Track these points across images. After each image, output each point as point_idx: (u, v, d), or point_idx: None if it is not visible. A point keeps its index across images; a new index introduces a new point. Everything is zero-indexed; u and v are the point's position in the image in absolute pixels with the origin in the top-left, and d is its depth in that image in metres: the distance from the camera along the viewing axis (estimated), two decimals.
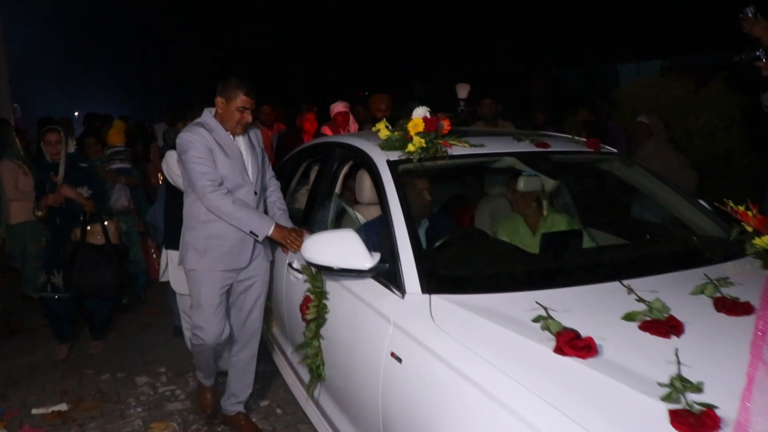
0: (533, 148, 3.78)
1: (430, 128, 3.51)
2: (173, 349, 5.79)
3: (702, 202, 3.73)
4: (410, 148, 3.49)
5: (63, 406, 4.68)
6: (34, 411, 4.65)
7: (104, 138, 7.31)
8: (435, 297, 2.67)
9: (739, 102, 8.89)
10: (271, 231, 3.83)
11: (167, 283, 4.94)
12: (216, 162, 3.77)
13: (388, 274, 2.93)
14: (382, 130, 3.70)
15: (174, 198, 4.70)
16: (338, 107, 7.39)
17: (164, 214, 5.00)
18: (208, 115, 3.89)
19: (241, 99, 3.76)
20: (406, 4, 21.59)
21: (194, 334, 4.02)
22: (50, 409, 4.65)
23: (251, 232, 3.82)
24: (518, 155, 3.72)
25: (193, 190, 3.80)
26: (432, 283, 2.75)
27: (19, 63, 21.57)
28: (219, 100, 3.84)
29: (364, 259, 2.93)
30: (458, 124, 7.35)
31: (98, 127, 8.68)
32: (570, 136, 4.13)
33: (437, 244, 3.23)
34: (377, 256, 2.97)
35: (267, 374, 4.87)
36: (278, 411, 4.57)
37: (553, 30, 19.59)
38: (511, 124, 8.01)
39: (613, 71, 17.10)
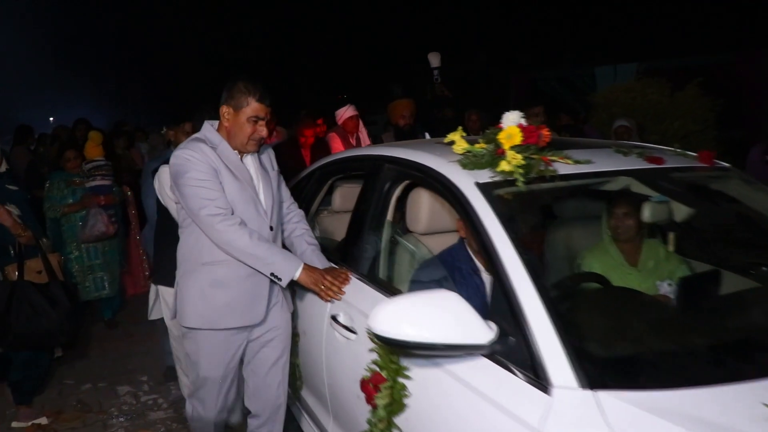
0: (645, 164, 2.78)
1: (531, 140, 2.49)
2: (155, 357, 5.40)
3: None
4: (504, 166, 2.45)
5: (43, 420, 4.38)
6: (14, 424, 4.36)
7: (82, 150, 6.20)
8: (605, 396, 1.66)
9: (713, 105, 8.77)
10: (298, 273, 2.85)
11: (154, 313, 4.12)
12: (223, 187, 2.83)
13: (514, 353, 1.91)
14: (459, 141, 2.66)
15: (166, 222, 3.68)
16: (347, 112, 6.34)
17: (155, 242, 3.91)
18: (209, 129, 2.96)
19: (252, 107, 2.86)
20: (383, 7, 20.59)
21: (192, 405, 3.07)
22: (30, 423, 4.35)
23: (272, 274, 2.84)
24: (636, 173, 2.70)
25: (196, 222, 2.83)
26: (594, 372, 1.74)
27: None
28: (225, 109, 2.91)
29: (478, 330, 1.92)
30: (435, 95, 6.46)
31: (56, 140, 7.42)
32: (673, 149, 3.12)
33: (563, 300, 2.20)
34: (493, 325, 1.96)
35: None
36: None
37: (531, 33, 18.77)
38: None
39: (590, 74, 16.61)
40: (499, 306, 2.06)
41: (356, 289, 2.81)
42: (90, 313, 6.28)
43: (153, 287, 3.79)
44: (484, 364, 1.97)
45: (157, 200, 3.77)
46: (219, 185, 2.82)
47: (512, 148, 2.47)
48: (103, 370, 5.29)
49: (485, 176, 2.47)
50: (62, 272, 4.49)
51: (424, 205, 2.97)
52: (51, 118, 21.40)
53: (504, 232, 2.18)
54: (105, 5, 24.02)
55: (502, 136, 2.49)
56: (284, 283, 2.86)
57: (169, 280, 3.41)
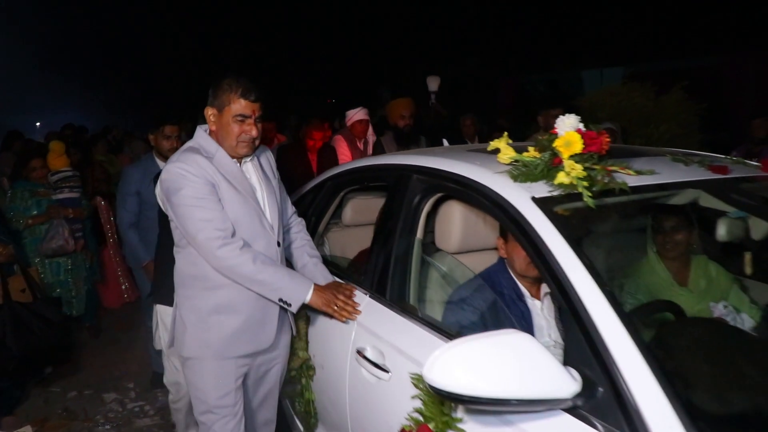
0: (711, 174, 2.40)
1: (593, 147, 2.11)
2: (142, 364, 5.17)
3: None
4: (562, 178, 2.08)
5: (28, 429, 4.10)
6: None
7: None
8: None
9: (697, 109, 8.53)
10: (308, 297, 2.49)
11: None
12: (223, 203, 2.46)
13: (602, 408, 1.53)
14: (505, 149, 2.28)
15: (169, 234, 3.21)
16: (357, 114, 5.82)
17: (156, 255, 3.47)
18: (203, 136, 2.57)
19: (237, 104, 2.48)
20: (370, 10, 20.18)
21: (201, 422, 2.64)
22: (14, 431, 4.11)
23: (281, 300, 2.47)
24: (704, 185, 2.33)
25: (193, 246, 2.48)
26: None
27: None
28: (210, 111, 2.55)
29: (559, 380, 1.54)
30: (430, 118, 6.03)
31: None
32: (734, 158, 2.75)
33: (655, 339, 1.82)
34: (575, 374, 1.58)
35: None
36: None
37: (520, 37, 18.46)
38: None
39: (577, 78, 16.42)
40: (576, 348, 1.68)
41: (385, 318, 2.42)
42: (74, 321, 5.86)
43: (155, 309, 3.33)
44: (565, 421, 1.59)
45: (159, 210, 3.31)
46: (218, 202, 2.44)
47: (572, 157, 2.09)
48: (89, 377, 5.10)
49: (541, 190, 2.09)
50: (42, 287, 4.17)
51: (456, 221, 2.59)
52: (38, 123, 20.74)
53: (575, 257, 1.80)
54: (92, 8, 23.31)
55: (559, 144, 2.12)
56: (294, 308, 2.50)
57: (170, 299, 2.99)
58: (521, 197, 2.05)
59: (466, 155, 2.56)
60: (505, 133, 2.33)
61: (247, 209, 2.50)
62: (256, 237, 2.51)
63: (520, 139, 6.61)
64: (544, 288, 2.52)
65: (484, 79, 18.57)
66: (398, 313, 2.37)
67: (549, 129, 4.89)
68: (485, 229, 2.66)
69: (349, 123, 5.85)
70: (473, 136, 7.35)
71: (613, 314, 1.63)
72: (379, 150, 5.65)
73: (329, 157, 5.47)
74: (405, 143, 5.59)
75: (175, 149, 4.03)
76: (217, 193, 2.44)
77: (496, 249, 2.75)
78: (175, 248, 2.64)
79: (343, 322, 2.51)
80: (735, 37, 14.48)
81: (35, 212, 5.26)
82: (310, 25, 20.82)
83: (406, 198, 2.56)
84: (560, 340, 2.45)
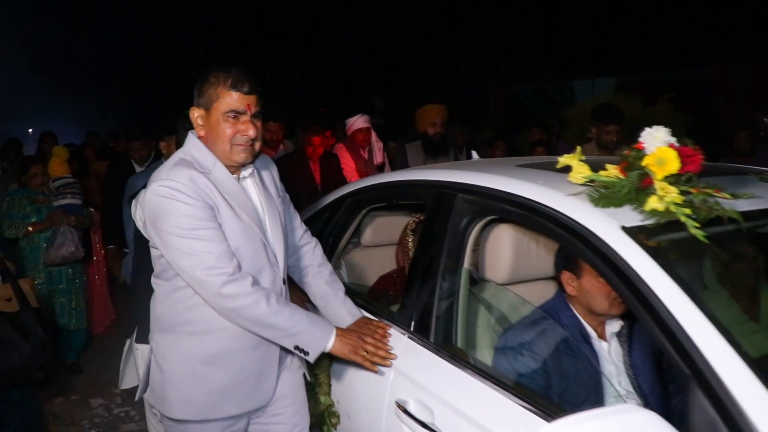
0: None
1: (690, 167, 1.70)
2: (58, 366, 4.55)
3: None
4: (654, 204, 1.66)
5: None
6: None
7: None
8: None
9: (685, 120, 8.18)
10: (330, 344, 2.00)
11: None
12: (224, 228, 1.98)
13: None
14: (578, 167, 1.86)
15: (148, 261, 2.68)
16: (357, 122, 5.32)
17: (131, 285, 2.95)
18: (197, 145, 2.05)
19: (228, 98, 1.98)
20: (362, 18, 19.77)
21: None
22: None
23: (297, 347, 1.98)
24: None
25: (188, 282, 1.98)
26: None
27: None
28: (196, 113, 2.05)
29: None
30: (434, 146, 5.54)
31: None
32: None
33: None
34: None
35: None
36: None
37: (511, 46, 18.12)
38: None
39: (569, 88, 16.16)
40: (704, 419, 1.26)
41: (431, 365, 1.98)
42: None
43: (129, 345, 2.78)
44: None
45: (137, 232, 2.80)
46: (219, 229, 1.96)
47: (666, 178, 1.67)
48: (76, 382, 4.95)
49: (629, 217, 1.67)
50: (37, 298, 3.67)
51: (508, 248, 2.17)
52: (30, 130, 20.08)
53: (691, 302, 1.39)
54: (84, 13, 22.63)
55: (651, 162, 1.69)
56: (312, 358, 2.01)
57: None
58: (608, 226, 1.64)
59: (520, 172, 2.14)
60: (578, 148, 1.91)
61: (249, 238, 2.02)
62: (260, 272, 2.03)
63: (513, 148, 6.20)
64: (610, 327, 2.11)
65: (476, 88, 18.23)
66: (448, 360, 1.94)
67: (604, 146, 4.54)
68: (537, 258, 2.25)
69: (349, 132, 5.37)
70: (462, 146, 6.91)
71: (752, 377, 1.22)
72: (401, 159, 5.21)
73: (333, 167, 4.94)
74: (433, 153, 5.14)
75: None
76: (216, 218, 1.96)
77: (547, 279, 2.34)
78: (154, 280, 2.14)
79: (375, 371, 2.05)
80: (725, 49, 14.24)
81: (34, 219, 4.91)
82: (302, 33, 20.39)
83: (451, 221, 2.13)
84: (631, 389, 2.04)
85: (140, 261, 2.78)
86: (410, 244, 3.04)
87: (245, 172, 2.11)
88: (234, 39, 20.47)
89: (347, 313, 2.26)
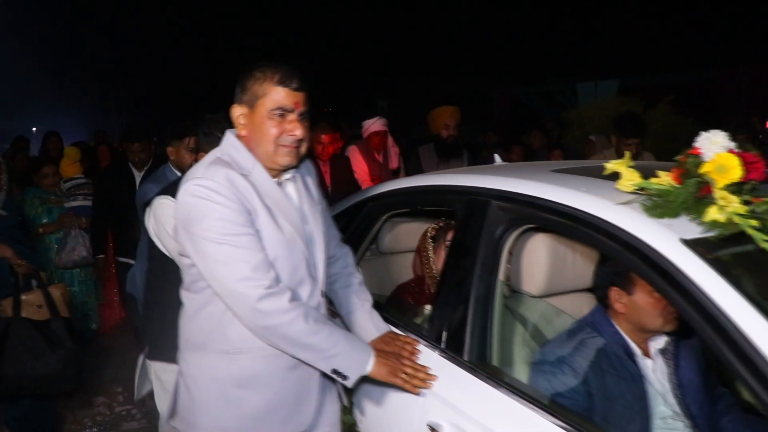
0: None
1: (754, 174, 1.55)
2: (130, 368, 4.45)
3: None
4: (714, 214, 1.51)
5: None
6: None
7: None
8: None
9: (686, 123, 8.23)
10: (370, 366, 1.83)
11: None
12: (261, 236, 1.78)
13: None
14: (627, 173, 1.70)
15: (162, 275, 2.53)
16: (374, 125, 5.15)
17: (144, 299, 2.78)
18: (236, 145, 1.87)
19: (275, 94, 1.79)
20: (367, 20, 19.64)
21: None
22: None
23: (335, 371, 1.81)
24: None
25: (219, 294, 1.80)
26: None
27: None
28: (238, 111, 1.87)
29: None
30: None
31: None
32: None
33: None
34: None
35: None
36: None
37: (515, 48, 17.99)
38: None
39: (572, 90, 16.05)
40: None
41: (466, 386, 1.83)
42: None
43: (141, 361, 2.60)
44: None
45: (150, 242, 2.61)
46: (256, 236, 1.77)
47: (727, 186, 1.52)
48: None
49: (687, 228, 1.52)
50: (68, 306, 3.60)
51: (544, 258, 2.02)
52: (34, 129, 19.88)
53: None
54: (89, 11, 22.38)
55: (710, 169, 1.54)
56: (351, 382, 1.82)
57: (169, 355, 2.34)
58: (667, 239, 1.49)
59: (559, 178, 1.99)
60: (627, 154, 1.76)
61: (289, 248, 1.83)
62: (298, 286, 1.85)
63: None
64: (655, 344, 1.96)
65: (479, 91, 18.10)
66: (484, 380, 1.79)
67: (621, 154, 4.35)
68: (572, 270, 2.10)
69: (365, 134, 5.19)
70: (462, 148, 6.75)
71: None
72: (414, 162, 5.04)
73: (344, 169, 4.75)
74: (447, 156, 4.98)
75: None
76: (253, 224, 1.78)
77: (580, 292, 2.20)
78: (183, 293, 1.96)
79: (416, 394, 1.87)
80: (728, 53, 14.14)
81: (45, 220, 4.87)
82: (308, 34, 20.26)
83: (485, 230, 1.97)
84: (678, 410, 1.89)
85: (152, 274, 2.60)
86: (430, 251, 2.89)
87: (287, 176, 1.92)
88: (241, 40, 20.31)
89: (373, 326, 2.07)
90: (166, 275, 2.45)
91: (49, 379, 3.28)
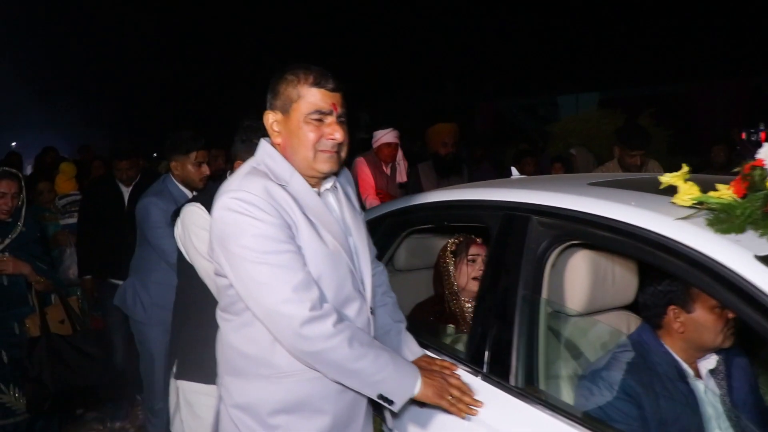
0: None
1: None
2: (123, 384, 4.61)
3: None
4: None
5: None
6: None
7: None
8: None
9: (665, 136, 8.36)
10: (417, 389, 1.69)
11: None
12: (304, 251, 1.66)
13: None
14: (685, 187, 1.62)
15: (191, 289, 2.39)
16: (386, 136, 4.95)
17: (175, 314, 2.62)
18: (270, 152, 1.75)
19: (311, 96, 1.69)
20: (349, 34, 19.58)
21: None
22: None
23: (381, 396, 1.68)
24: None
25: (260, 317, 1.66)
26: None
27: None
28: (271, 117, 1.76)
29: None
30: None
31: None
32: None
33: None
34: None
35: None
36: None
37: (497, 62, 18.04)
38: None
39: (553, 103, 16.18)
40: None
41: (513, 411, 1.72)
42: None
43: (174, 383, 2.42)
44: None
45: (179, 255, 2.45)
46: (299, 253, 1.64)
47: None
48: None
49: (759, 244, 1.44)
50: (82, 312, 3.87)
51: (586, 275, 1.92)
52: (13, 143, 19.40)
53: None
54: (70, 26, 21.92)
55: None
56: (397, 407, 1.69)
57: (201, 375, 2.22)
58: (740, 256, 1.40)
59: (600, 192, 1.90)
60: (684, 167, 1.67)
61: (334, 264, 1.71)
62: (345, 305, 1.72)
63: (499, 163, 5.92)
64: (706, 364, 1.87)
65: (462, 105, 18.11)
66: (534, 406, 1.68)
67: (626, 168, 4.32)
68: (613, 287, 2.00)
69: (375, 145, 5.03)
70: (461, 165, 6.70)
71: None
72: (414, 179, 4.95)
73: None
74: (445, 173, 4.89)
75: (204, 179, 3.28)
76: (294, 238, 1.65)
77: (619, 310, 2.10)
78: (220, 314, 1.83)
79: (462, 418, 1.74)
80: (705, 66, 14.34)
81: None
82: (291, 47, 20.13)
83: (526, 247, 1.87)
84: None
85: (180, 291, 2.49)
86: (450, 267, 2.79)
87: (326, 185, 1.80)
88: (224, 52, 20.10)
89: (407, 349, 1.95)
90: (193, 290, 2.33)
91: (91, 390, 3.52)
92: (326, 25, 19.65)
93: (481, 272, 2.71)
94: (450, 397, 1.72)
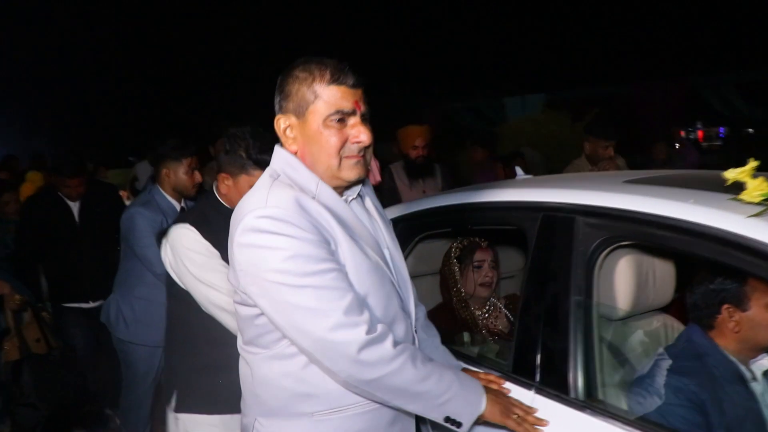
0: None
1: None
2: (112, 398, 4.23)
3: None
4: None
5: None
6: None
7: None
8: None
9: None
10: (483, 407, 1.54)
11: None
12: (347, 269, 1.47)
13: None
14: (755, 184, 1.55)
15: (185, 318, 2.19)
16: None
17: (167, 342, 2.38)
18: (290, 161, 1.53)
19: (329, 95, 1.47)
20: (298, 38, 19.34)
21: None
22: None
23: (448, 418, 1.51)
24: None
25: (302, 348, 1.46)
26: None
27: None
28: (283, 121, 1.54)
29: None
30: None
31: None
32: None
33: None
34: None
35: None
36: None
37: (443, 64, 18.11)
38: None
39: (500, 104, 16.38)
40: None
41: (578, 426, 1.61)
42: None
43: (172, 416, 2.18)
44: None
45: (168, 279, 2.22)
46: (342, 271, 1.46)
47: None
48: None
49: None
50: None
51: (632, 277, 1.84)
52: None
53: None
54: (26, 29, 20.75)
55: None
56: (465, 429, 1.52)
57: (202, 405, 2.04)
58: None
59: (646, 189, 1.81)
60: (752, 162, 1.60)
61: (379, 280, 1.52)
62: (393, 323, 1.53)
63: (451, 166, 5.92)
64: (759, 365, 1.81)
65: (409, 107, 18.10)
66: (600, 419, 1.58)
67: (595, 160, 4.30)
68: (654, 288, 1.94)
69: None
70: (433, 166, 6.65)
71: None
72: (387, 180, 4.82)
73: None
74: (416, 176, 4.79)
75: (197, 186, 3.09)
76: (335, 254, 1.46)
77: (655, 312, 2.04)
78: (246, 348, 1.59)
79: None
80: (645, 67, 14.74)
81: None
82: (242, 55, 19.70)
83: (574, 250, 1.77)
84: None
85: (173, 315, 2.26)
86: (456, 272, 2.70)
87: (352, 194, 1.61)
88: (182, 58, 19.46)
89: (446, 364, 1.80)
90: (189, 314, 2.13)
91: (85, 402, 3.46)
92: (272, 25, 19.34)
93: (488, 278, 2.64)
94: (515, 416, 1.59)
